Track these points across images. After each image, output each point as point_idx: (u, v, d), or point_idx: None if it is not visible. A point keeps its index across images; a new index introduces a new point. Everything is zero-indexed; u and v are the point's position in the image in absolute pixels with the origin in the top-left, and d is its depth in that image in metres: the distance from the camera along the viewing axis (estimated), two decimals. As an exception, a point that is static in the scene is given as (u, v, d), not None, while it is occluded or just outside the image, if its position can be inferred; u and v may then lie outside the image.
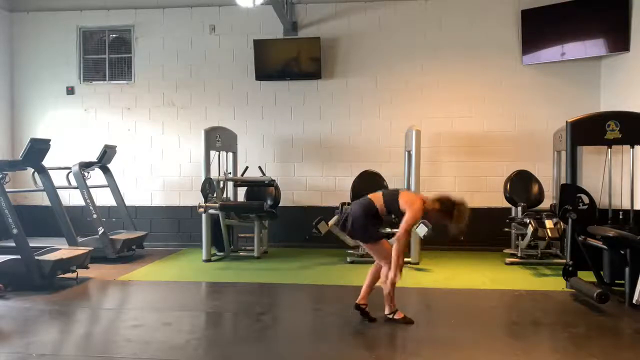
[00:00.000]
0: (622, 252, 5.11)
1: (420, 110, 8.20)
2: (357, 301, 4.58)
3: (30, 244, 5.72)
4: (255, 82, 8.46)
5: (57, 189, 6.77)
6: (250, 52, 8.36)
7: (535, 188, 7.43)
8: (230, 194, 8.07)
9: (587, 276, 5.33)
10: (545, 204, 7.37)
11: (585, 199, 5.46)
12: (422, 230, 6.69)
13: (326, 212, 7.39)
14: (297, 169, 8.48)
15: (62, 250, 6.11)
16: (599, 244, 5.27)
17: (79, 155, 8.04)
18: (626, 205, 6.04)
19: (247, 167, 8.11)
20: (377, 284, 4.60)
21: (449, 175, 8.20)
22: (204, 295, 6.07)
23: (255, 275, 6.50)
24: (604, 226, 5.44)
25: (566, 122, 5.98)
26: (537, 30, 7.88)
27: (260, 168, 7.92)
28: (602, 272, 5.47)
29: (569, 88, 7.96)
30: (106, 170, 7.89)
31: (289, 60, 8.36)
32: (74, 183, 7.37)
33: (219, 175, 7.64)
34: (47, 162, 6.69)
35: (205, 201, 7.13)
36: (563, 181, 6.24)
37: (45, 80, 8.86)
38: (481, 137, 8.15)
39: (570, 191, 5.57)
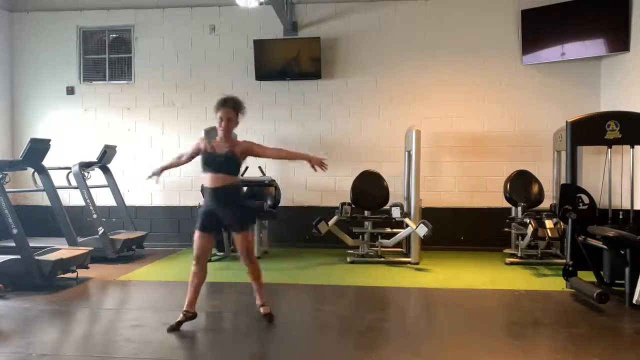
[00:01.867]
0: (622, 252, 5.11)
1: (420, 110, 8.20)
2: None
3: (30, 244, 5.72)
4: (255, 82, 8.46)
5: (57, 189, 6.77)
6: (250, 52, 8.36)
7: (535, 188, 7.43)
8: (230, 194, 8.06)
9: (587, 276, 5.34)
10: (545, 204, 7.37)
11: (585, 199, 5.46)
12: (422, 230, 6.71)
13: (326, 212, 7.40)
14: (297, 169, 8.47)
15: (62, 250, 6.11)
16: (599, 244, 5.27)
17: (79, 155, 8.03)
18: (626, 205, 6.04)
19: (247, 167, 8.10)
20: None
21: (449, 175, 8.20)
22: (204, 295, 6.00)
23: (255, 275, 6.49)
24: (604, 226, 5.44)
25: (566, 122, 5.98)
26: (537, 30, 7.87)
27: (260, 168, 7.92)
28: (602, 272, 5.47)
29: (569, 88, 7.96)
30: (106, 170, 7.89)
31: (289, 60, 8.36)
32: (74, 183, 7.37)
33: (219, 175, 7.62)
34: (47, 162, 6.70)
35: (205, 201, 7.12)
36: (563, 181, 6.23)
37: (45, 80, 8.86)
38: (481, 137, 8.15)
39: (570, 191, 5.57)
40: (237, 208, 4.37)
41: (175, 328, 4.32)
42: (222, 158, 4.27)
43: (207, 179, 4.30)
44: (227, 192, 4.28)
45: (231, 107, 4.32)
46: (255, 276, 4.58)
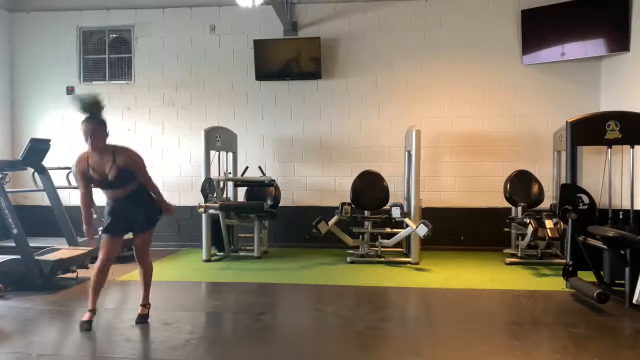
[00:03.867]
0: (622, 252, 5.11)
1: (420, 110, 8.20)
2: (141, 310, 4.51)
3: (30, 244, 5.72)
4: (255, 82, 8.46)
5: (57, 189, 6.77)
6: (250, 52, 8.36)
7: (535, 188, 7.44)
8: (230, 194, 8.08)
9: (587, 276, 5.33)
10: (545, 204, 7.37)
11: (585, 199, 5.45)
12: (422, 230, 6.71)
13: (326, 212, 7.39)
14: (297, 169, 8.48)
15: (62, 250, 6.11)
16: (599, 244, 5.27)
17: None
18: (626, 205, 6.04)
19: (247, 167, 8.12)
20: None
21: (449, 175, 8.20)
22: (204, 295, 6.06)
23: (255, 275, 6.50)
24: (604, 226, 5.44)
25: (566, 122, 5.98)
26: (537, 30, 7.87)
27: (260, 168, 7.93)
28: (602, 272, 5.47)
29: (569, 88, 7.96)
30: (106, 170, 7.88)
31: (289, 60, 8.36)
32: (74, 183, 7.37)
33: (219, 175, 7.64)
34: (47, 162, 6.70)
35: (205, 201, 7.13)
36: (563, 181, 6.24)
37: (45, 80, 8.86)
38: (481, 137, 8.15)
39: (570, 191, 5.57)
40: (142, 210, 4.42)
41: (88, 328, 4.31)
42: (111, 178, 4.28)
43: (107, 193, 4.38)
44: (130, 198, 4.35)
45: (95, 123, 4.45)
46: (147, 275, 4.58)
